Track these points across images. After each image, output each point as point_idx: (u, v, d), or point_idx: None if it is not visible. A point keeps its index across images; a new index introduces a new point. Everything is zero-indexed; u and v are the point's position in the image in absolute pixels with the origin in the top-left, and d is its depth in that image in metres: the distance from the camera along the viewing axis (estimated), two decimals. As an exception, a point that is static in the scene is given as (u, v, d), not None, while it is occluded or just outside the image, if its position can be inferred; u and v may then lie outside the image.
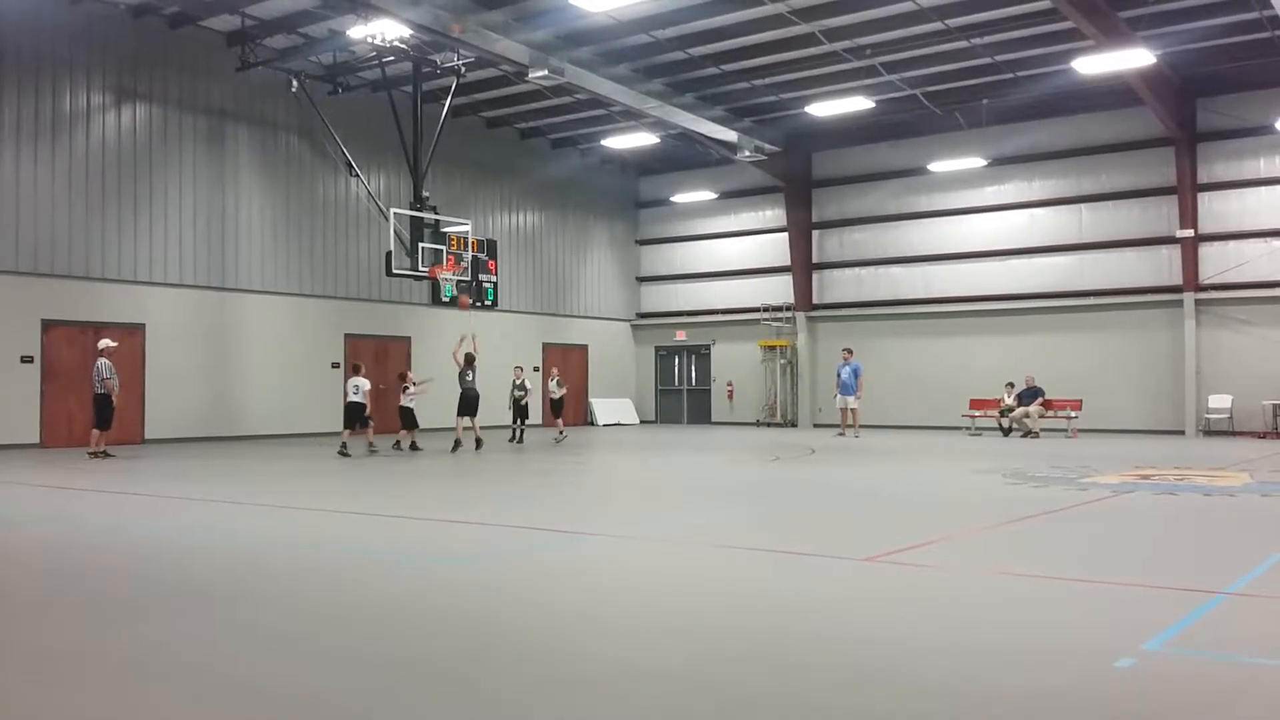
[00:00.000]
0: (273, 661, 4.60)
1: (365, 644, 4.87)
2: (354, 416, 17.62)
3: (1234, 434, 22.47)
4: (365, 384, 17.66)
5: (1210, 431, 22.83)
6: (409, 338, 24.94)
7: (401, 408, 18.42)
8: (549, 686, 4.22)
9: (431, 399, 19.42)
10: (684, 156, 29.11)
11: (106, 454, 16.34)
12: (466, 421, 18.44)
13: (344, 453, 16.91)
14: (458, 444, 18.14)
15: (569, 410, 21.87)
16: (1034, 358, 24.41)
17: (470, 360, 18.58)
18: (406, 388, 18.49)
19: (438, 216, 21.28)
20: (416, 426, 18.32)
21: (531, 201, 28.67)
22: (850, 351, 23.93)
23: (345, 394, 18.28)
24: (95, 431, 16.47)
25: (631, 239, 32.14)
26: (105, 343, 16.84)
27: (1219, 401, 22.87)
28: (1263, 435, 22.09)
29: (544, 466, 15.62)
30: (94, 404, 16.58)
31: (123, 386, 16.92)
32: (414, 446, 18.06)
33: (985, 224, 26.22)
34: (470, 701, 4.06)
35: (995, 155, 25.54)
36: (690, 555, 7.59)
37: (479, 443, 18.12)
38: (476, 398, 18.45)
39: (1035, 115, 24.61)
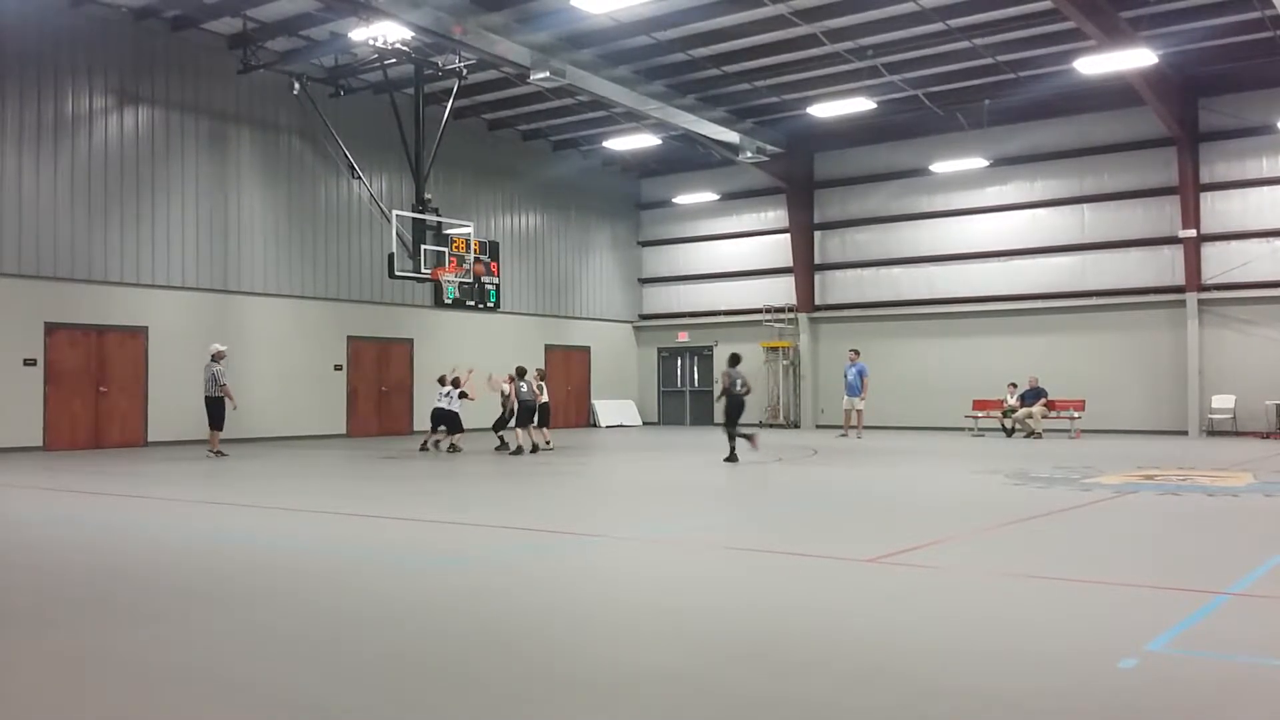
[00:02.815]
0: (274, 664, 4.60)
1: (367, 646, 4.87)
2: (453, 422, 18.79)
3: (1237, 434, 22.44)
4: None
5: (1213, 432, 22.79)
6: (411, 340, 24.95)
7: (448, 411, 18.81)
8: (549, 687, 4.21)
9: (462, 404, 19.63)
10: (685, 158, 29.10)
11: (220, 453, 17.05)
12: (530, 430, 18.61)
13: (501, 445, 18.74)
14: (520, 449, 18.15)
15: (569, 412, 21.83)
16: (1037, 358, 24.37)
17: (522, 374, 18.61)
18: (464, 392, 18.99)
19: (440, 219, 21.29)
20: (461, 430, 18.87)
21: (533, 203, 28.66)
22: (857, 352, 23.87)
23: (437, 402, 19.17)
24: (213, 432, 17.27)
25: (633, 240, 32.13)
26: (217, 347, 17.57)
27: (1222, 402, 22.83)
28: (1266, 436, 22.04)
29: (545, 470, 15.61)
30: (207, 406, 17.32)
31: (124, 389, 17.02)
32: (453, 448, 18.60)
33: (987, 224, 26.20)
34: (471, 702, 4.05)
35: (997, 156, 25.52)
36: (691, 556, 7.58)
37: (519, 449, 18.12)
38: (539, 409, 18.60)
39: (1037, 115, 24.59)
